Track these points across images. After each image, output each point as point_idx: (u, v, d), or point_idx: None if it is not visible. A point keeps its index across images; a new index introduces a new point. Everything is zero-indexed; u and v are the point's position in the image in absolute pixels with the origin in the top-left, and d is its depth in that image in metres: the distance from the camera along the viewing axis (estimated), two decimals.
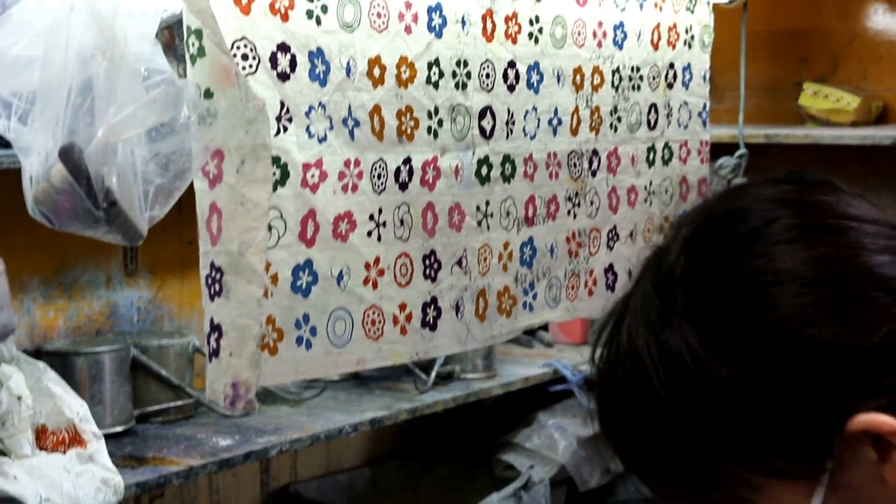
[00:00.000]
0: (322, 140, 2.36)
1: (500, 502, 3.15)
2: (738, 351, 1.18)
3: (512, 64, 2.78)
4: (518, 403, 3.54)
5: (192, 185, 2.19)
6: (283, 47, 2.29)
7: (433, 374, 3.10)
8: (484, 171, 2.72)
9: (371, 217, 2.46)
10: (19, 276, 2.62)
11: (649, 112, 3.19)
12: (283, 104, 2.28)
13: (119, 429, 2.59)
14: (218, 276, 2.17)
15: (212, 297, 2.18)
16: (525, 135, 2.82)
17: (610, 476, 3.52)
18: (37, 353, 2.54)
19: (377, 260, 2.48)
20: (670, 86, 3.25)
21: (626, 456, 1.31)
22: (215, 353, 2.18)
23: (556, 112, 2.90)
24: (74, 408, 2.40)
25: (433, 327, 2.63)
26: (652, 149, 3.20)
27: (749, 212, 1.24)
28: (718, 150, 3.59)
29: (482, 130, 2.72)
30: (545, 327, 3.82)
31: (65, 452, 2.34)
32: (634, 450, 1.28)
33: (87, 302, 2.80)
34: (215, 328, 2.18)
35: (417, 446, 3.63)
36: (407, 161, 2.54)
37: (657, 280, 1.25)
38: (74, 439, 2.37)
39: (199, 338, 2.79)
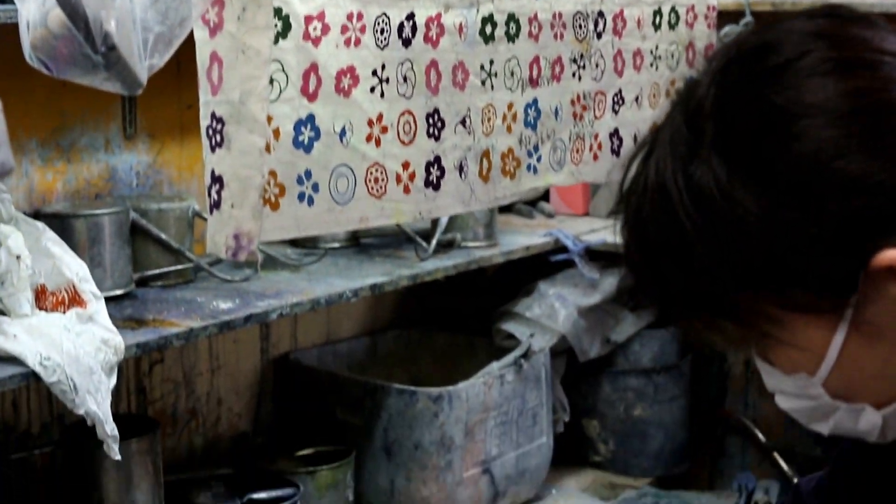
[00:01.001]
0: None
1: (500, 371, 3.15)
2: (766, 183, 1.18)
3: None
4: (519, 273, 3.53)
5: (191, 40, 2.16)
6: None
7: (434, 241, 3.08)
8: (488, 29, 2.68)
9: (374, 73, 2.43)
10: (17, 136, 2.57)
11: None
12: None
13: (119, 292, 2.57)
14: (219, 126, 2.14)
15: (213, 149, 2.15)
16: None
17: (610, 346, 3.53)
18: (35, 216, 2.50)
19: (380, 117, 2.45)
20: None
21: (650, 289, 1.31)
22: (216, 204, 2.16)
23: None
24: (74, 268, 2.38)
25: (437, 187, 2.60)
26: (658, 12, 3.16)
27: (782, 44, 1.23)
28: (724, 18, 3.54)
29: None
30: (546, 198, 3.80)
31: (64, 312, 2.32)
32: (659, 282, 1.28)
33: (85, 165, 2.76)
34: (216, 180, 2.15)
35: (417, 316, 3.63)
36: (410, 17, 2.50)
37: (687, 113, 1.25)
38: (74, 299, 2.35)
39: (198, 202, 2.76)
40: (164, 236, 2.69)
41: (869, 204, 1.16)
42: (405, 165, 2.53)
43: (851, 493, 1.61)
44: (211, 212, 2.17)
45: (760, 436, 3.73)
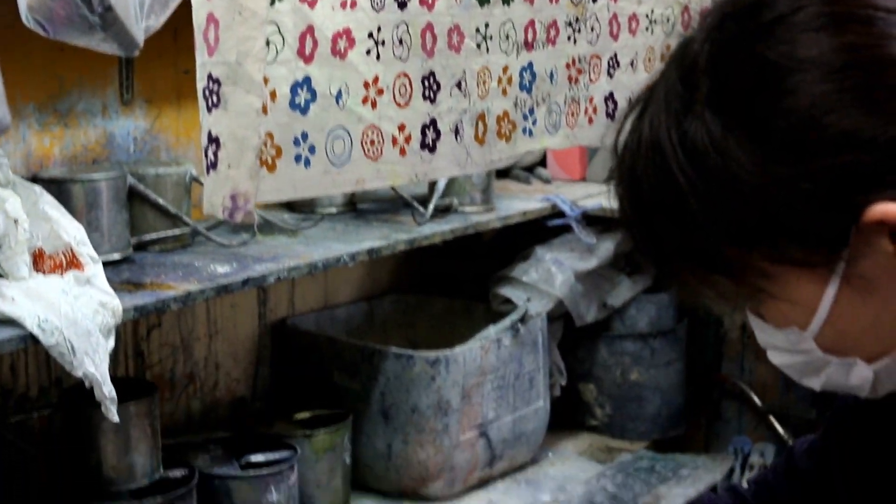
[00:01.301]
0: None
1: (496, 335, 3.16)
2: (759, 138, 1.18)
3: None
4: (516, 238, 3.54)
5: (188, 2, 2.15)
6: None
7: (431, 206, 3.08)
8: None
9: (370, 35, 2.43)
10: (14, 100, 2.57)
11: None
12: None
13: (116, 256, 2.57)
14: (215, 87, 2.14)
15: (209, 109, 2.15)
16: None
17: (607, 311, 3.54)
18: (33, 181, 2.51)
19: (376, 79, 2.45)
20: None
21: (644, 245, 1.31)
22: (213, 165, 2.16)
23: None
24: (72, 231, 2.39)
25: (432, 149, 2.61)
26: None
27: None
28: None
29: None
30: (543, 163, 3.80)
31: (62, 275, 2.33)
32: (653, 238, 1.29)
33: (82, 130, 2.77)
34: (213, 140, 2.15)
35: (414, 281, 3.64)
36: None
37: (681, 69, 1.25)
38: (72, 262, 2.36)
39: (196, 168, 2.77)
40: (161, 201, 2.69)
41: (861, 159, 1.17)
42: (401, 128, 2.53)
43: (843, 452, 1.62)
44: (207, 172, 2.17)
45: (756, 399, 3.75)
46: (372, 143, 2.47)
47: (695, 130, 1.21)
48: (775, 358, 1.37)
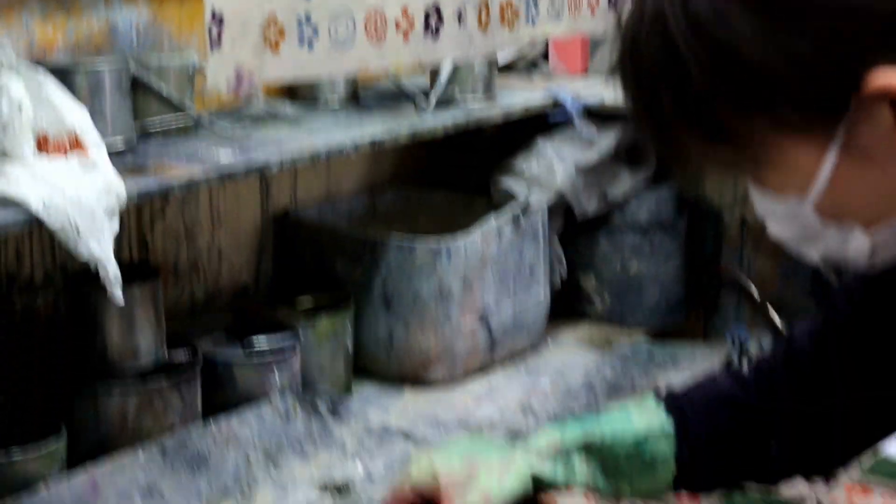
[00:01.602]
0: None
1: (498, 225, 3.17)
2: (761, 6, 1.19)
3: None
4: (517, 133, 3.54)
5: None
6: None
7: (434, 95, 3.09)
8: None
9: None
10: None
11: None
12: None
13: (120, 144, 2.58)
14: None
15: None
16: None
17: (607, 204, 3.55)
18: None
19: None
20: None
21: (646, 120, 1.33)
22: (217, 42, 2.16)
23: None
24: (75, 116, 2.40)
25: (435, 35, 2.61)
26: None
27: None
28: None
29: None
30: (546, 56, 3.80)
31: (67, 159, 2.34)
32: (654, 109, 1.30)
33: (85, 20, 2.76)
34: (217, 18, 2.16)
35: (416, 174, 3.64)
36: None
37: None
38: (76, 146, 2.37)
39: (199, 58, 2.76)
40: (164, 90, 2.70)
41: (863, 27, 1.18)
42: (404, 12, 2.53)
43: (841, 334, 1.65)
44: (211, 49, 2.18)
45: (755, 292, 3.77)
46: (375, 27, 2.48)
47: (698, 1, 1.22)
48: (774, 227, 1.39)
